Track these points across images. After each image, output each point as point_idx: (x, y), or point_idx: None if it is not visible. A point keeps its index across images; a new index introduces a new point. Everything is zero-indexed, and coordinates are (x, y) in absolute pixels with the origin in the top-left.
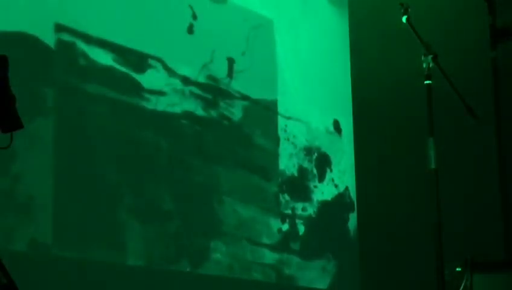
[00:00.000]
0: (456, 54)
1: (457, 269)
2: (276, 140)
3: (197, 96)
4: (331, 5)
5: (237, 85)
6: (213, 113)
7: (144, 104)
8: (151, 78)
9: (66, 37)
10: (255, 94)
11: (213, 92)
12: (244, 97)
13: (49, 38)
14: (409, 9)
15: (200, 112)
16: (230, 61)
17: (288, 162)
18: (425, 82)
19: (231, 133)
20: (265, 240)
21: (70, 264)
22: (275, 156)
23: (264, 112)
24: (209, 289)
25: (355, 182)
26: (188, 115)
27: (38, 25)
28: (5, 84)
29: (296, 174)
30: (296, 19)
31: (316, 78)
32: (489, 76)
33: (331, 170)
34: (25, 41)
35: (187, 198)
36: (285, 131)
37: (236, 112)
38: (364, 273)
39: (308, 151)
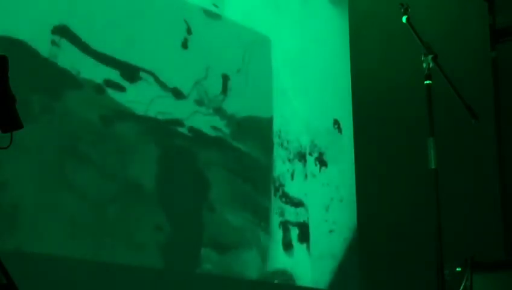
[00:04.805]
0: (456, 54)
1: (457, 269)
2: (272, 148)
3: (190, 111)
4: (331, 5)
5: (232, 98)
6: (206, 127)
7: (135, 116)
8: (142, 92)
9: (57, 45)
10: (250, 103)
11: (206, 107)
12: (238, 110)
13: (40, 46)
14: (409, 9)
15: (192, 126)
16: (225, 78)
17: (284, 166)
18: (425, 82)
19: (224, 146)
20: (262, 244)
21: (55, 270)
22: (270, 165)
23: (259, 122)
24: (206, 288)
25: (355, 182)
26: (180, 129)
27: (29, 31)
28: (5, 84)
29: (295, 174)
30: (296, 19)
31: (316, 78)
32: (489, 76)
33: (331, 170)
34: (14, 47)
35: (178, 208)
36: (281, 136)
37: (230, 126)
38: (364, 273)
39: (308, 151)
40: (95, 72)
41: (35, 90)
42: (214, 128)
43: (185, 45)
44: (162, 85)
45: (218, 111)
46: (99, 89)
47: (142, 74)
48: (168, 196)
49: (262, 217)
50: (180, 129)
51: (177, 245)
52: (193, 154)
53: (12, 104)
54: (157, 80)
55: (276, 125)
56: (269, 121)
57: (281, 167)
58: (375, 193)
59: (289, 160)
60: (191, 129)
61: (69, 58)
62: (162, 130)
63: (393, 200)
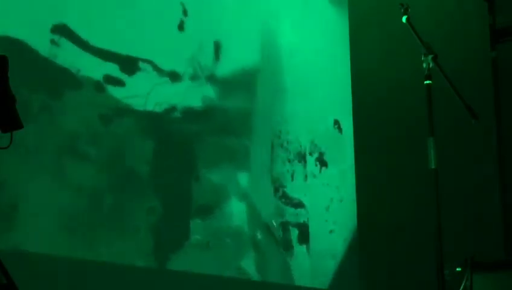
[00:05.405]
0: (456, 54)
1: (457, 269)
2: (273, 143)
3: (184, 91)
4: (331, 5)
5: (224, 61)
6: (197, 100)
7: (133, 112)
8: (141, 83)
9: (57, 44)
10: (240, 58)
11: (199, 79)
12: (230, 69)
13: (36, 43)
14: (409, 9)
15: (185, 106)
16: (217, 44)
17: (284, 167)
18: (425, 82)
19: (213, 111)
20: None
21: (50, 266)
22: (271, 158)
23: (247, 73)
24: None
25: (355, 182)
26: (175, 115)
27: (28, 30)
28: (5, 84)
29: (295, 175)
30: (296, 19)
31: (316, 78)
32: (489, 76)
33: (331, 171)
34: (14, 46)
35: (171, 190)
36: (281, 136)
37: (220, 88)
38: (364, 273)
39: (308, 151)
40: (94, 68)
41: (34, 90)
42: (205, 97)
43: (181, 27)
44: (160, 71)
45: (210, 78)
46: (98, 86)
47: (141, 64)
48: (162, 181)
49: (244, 161)
50: (175, 115)
51: (169, 224)
52: (186, 137)
53: (12, 104)
54: (155, 67)
55: (276, 126)
56: (256, 72)
57: (281, 167)
58: (375, 193)
59: (289, 161)
60: (184, 110)
61: (68, 56)
62: (159, 123)
63: (393, 200)
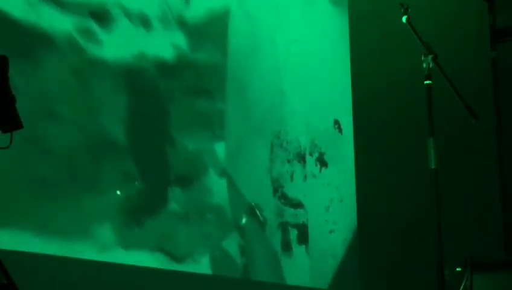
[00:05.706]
0: (456, 54)
1: (457, 269)
2: (272, 143)
3: (156, 39)
4: (331, 5)
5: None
6: (168, 50)
7: (108, 67)
8: (116, 35)
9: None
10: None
11: (170, 24)
12: (198, 12)
13: (13, 8)
14: (409, 9)
15: (158, 55)
16: None
17: (284, 167)
18: (425, 82)
19: (183, 64)
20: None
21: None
22: (270, 158)
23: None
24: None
25: (355, 182)
26: (147, 66)
27: None
28: (5, 84)
29: (294, 176)
30: (296, 19)
31: (316, 78)
32: (489, 76)
33: (331, 170)
34: None
35: (146, 152)
36: (281, 136)
37: (190, 36)
38: (364, 273)
39: (308, 151)
40: (67, 24)
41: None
42: (175, 46)
43: None
44: (130, 17)
45: (179, 22)
46: (73, 44)
47: (112, 12)
48: (138, 143)
49: (217, 122)
50: (147, 66)
51: (146, 189)
52: (158, 91)
53: (12, 104)
54: (126, 13)
55: (276, 126)
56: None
57: (280, 168)
58: (375, 193)
59: (288, 161)
60: (156, 61)
61: (42, 16)
62: (133, 75)
63: (393, 200)
